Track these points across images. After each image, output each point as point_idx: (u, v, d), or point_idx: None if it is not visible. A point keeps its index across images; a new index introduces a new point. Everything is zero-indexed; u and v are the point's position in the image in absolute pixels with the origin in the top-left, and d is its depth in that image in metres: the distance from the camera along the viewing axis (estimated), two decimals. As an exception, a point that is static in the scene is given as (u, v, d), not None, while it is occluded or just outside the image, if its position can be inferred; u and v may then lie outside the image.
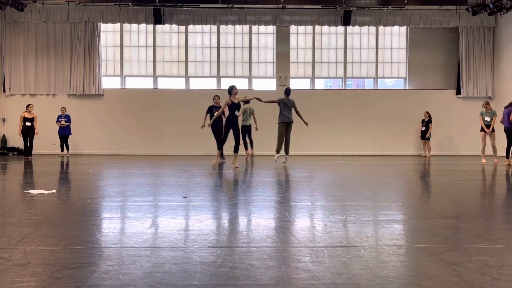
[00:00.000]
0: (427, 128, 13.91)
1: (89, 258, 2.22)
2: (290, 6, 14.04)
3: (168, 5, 13.84)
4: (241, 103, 9.09)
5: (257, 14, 14.24)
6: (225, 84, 15.03)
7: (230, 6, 13.92)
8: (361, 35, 15.16)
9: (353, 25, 14.43)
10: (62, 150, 13.21)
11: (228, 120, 8.62)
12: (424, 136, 14.03)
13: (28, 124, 11.82)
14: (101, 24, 14.67)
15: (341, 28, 14.93)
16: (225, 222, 3.18)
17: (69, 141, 13.45)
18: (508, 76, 13.96)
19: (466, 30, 14.61)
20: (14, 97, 14.57)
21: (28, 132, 11.82)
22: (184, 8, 14.08)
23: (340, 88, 15.47)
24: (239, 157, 9.95)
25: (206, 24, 14.43)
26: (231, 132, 8.55)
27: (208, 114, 10.90)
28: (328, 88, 16.33)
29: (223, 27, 14.94)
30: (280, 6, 13.87)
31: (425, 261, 2.18)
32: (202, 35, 15.04)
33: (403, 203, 4.08)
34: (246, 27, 14.93)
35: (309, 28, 15.00)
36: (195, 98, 14.14)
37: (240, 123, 9.83)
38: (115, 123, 14.66)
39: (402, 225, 3.11)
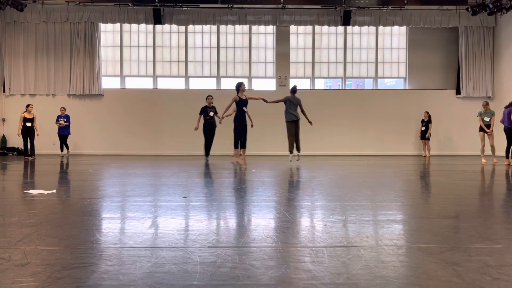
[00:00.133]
0: (427, 128, 13.91)
1: (89, 258, 2.22)
2: (290, 6, 14.03)
3: (168, 5, 13.84)
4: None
5: (257, 14, 14.24)
6: (225, 84, 15.04)
7: (230, 6, 13.92)
8: (361, 35, 15.16)
9: (353, 25, 14.43)
10: (62, 150, 13.20)
11: (237, 116, 8.88)
12: (424, 136, 14.03)
13: (28, 124, 11.81)
14: (101, 24, 14.66)
15: (341, 28, 14.93)
16: (225, 222, 3.18)
17: (69, 141, 13.42)
18: (507, 76, 13.96)
19: (465, 30, 14.61)
20: (14, 97, 14.57)
21: (28, 132, 11.81)
22: (183, 8, 14.07)
23: (340, 88, 15.47)
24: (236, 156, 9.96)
25: (206, 24, 14.42)
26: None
27: (202, 116, 10.81)
28: (328, 88, 16.33)
29: (223, 27, 14.94)
30: (280, 6, 13.87)
31: (425, 261, 2.18)
32: (202, 35, 15.04)
33: (403, 203, 4.08)
34: (246, 27, 14.93)
35: (309, 28, 15.00)
36: (195, 98, 14.13)
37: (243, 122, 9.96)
38: (115, 123, 14.66)
39: (402, 225, 3.11)
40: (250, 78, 15.02)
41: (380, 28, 14.98)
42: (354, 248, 2.44)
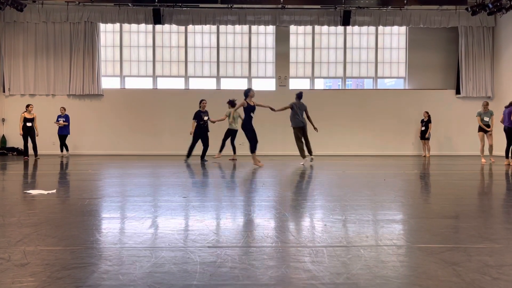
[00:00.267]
0: (427, 128, 13.91)
1: (88, 258, 2.22)
2: (289, 6, 14.04)
3: (168, 5, 13.84)
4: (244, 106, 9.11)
5: (256, 14, 14.24)
6: (225, 84, 15.04)
7: (229, 6, 13.92)
8: (360, 35, 15.17)
9: (353, 25, 14.44)
10: (61, 150, 13.19)
11: (246, 122, 8.84)
12: (424, 136, 14.03)
13: (28, 124, 11.81)
14: (101, 24, 14.67)
15: (340, 28, 14.93)
16: (224, 222, 3.18)
17: (69, 141, 13.38)
18: (507, 76, 13.97)
19: (465, 30, 14.62)
20: (13, 97, 14.57)
21: (28, 133, 11.81)
22: (183, 8, 14.08)
23: (340, 88, 15.47)
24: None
25: (205, 24, 14.43)
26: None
27: (195, 120, 10.63)
28: (327, 88, 16.33)
29: (222, 27, 14.94)
30: (279, 6, 13.87)
31: (425, 261, 2.18)
32: (201, 35, 15.04)
33: (403, 203, 4.08)
34: (245, 27, 14.93)
35: (309, 28, 15.00)
36: (194, 98, 14.10)
37: (242, 126, 10.01)
38: (114, 123, 14.66)
39: (402, 225, 3.11)
40: (250, 78, 15.02)
41: (380, 28, 14.99)
42: (354, 248, 2.44)
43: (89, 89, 14.45)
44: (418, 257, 2.26)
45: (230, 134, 11.04)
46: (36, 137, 11.95)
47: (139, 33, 15.02)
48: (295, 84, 15.09)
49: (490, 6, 12.56)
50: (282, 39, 14.84)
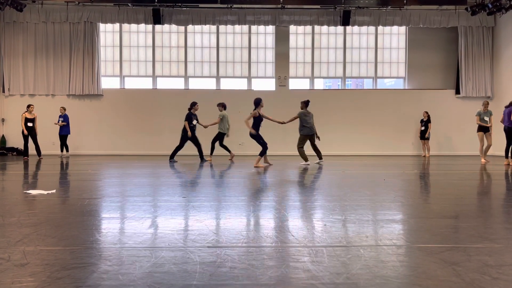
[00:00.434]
0: (426, 128, 13.92)
1: (88, 258, 2.22)
2: (289, 6, 14.04)
3: (167, 5, 13.84)
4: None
5: (256, 14, 14.24)
6: (225, 84, 15.04)
7: (229, 6, 13.92)
8: (360, 35, 15.17)
9: (352, 25, 14.44)
10: (61, 150, 13.18)
11: (254, 128, 9.04)
12: (424, 136, 14.03)
13: (29, 124, 11.81)
14: (100, 24, 14.66)
15: (340, 28, 14.94)
16: (224, 222, 3.18)
17: (68, 141, 13.34)
18: (507, 75, 13.97)
19: (465, 30, 14.62)
20: (13, 97, 14.57)
21: (29, 133, 11.81)
22: (183, 8, 14.08)
23: (340, 88, 15.47)
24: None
25: (205, 24, 14.43)
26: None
27: (187, 122, 10.59)
28: (327, 88, 16.32)
29: (222, 27, 14.94)
30: (279, 6, 13.88)
31: (425, 261, 2.18)
32: (201, 35, 15.04)
33: (403, 203, 4.08)
34: (245, 27, 14.93)
35: (308, 28, 15.01)
36: (194, 98, 14.03)
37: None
38: (114, 123, 14.65)
39: (402, 225, 3.11)
40: (249, 78, 15.02)
41: (380, 28, 14.99)
42: (353, 248, 2.44)
43: (89, 89, 14.45)
44: (418, 257, 2.26)
45: (220, 137, 11.11)
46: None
47: (138, 33, 15.02)
48: (295, 84, 15.10)
49: (490, 6, 12.56)
50: (282, 39, 14.84)
